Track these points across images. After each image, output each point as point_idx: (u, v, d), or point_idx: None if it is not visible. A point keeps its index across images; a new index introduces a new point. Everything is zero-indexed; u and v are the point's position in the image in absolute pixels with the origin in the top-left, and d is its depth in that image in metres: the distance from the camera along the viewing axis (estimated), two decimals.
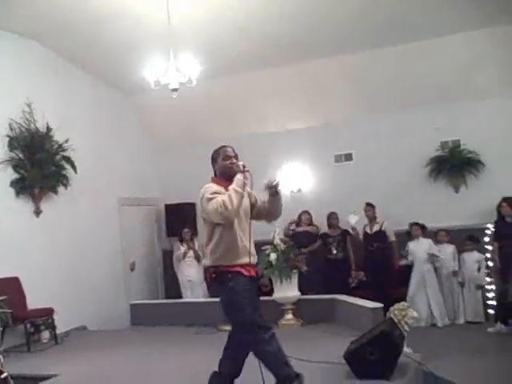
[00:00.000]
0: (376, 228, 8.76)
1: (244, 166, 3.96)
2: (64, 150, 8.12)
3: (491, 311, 8.02)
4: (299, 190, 9.84)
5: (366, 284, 8.61)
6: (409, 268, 8.48)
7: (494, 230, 8.12)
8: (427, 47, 8.39)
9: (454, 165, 8.91)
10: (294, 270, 7.34)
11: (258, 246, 4.90)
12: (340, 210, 9.09)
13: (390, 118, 9.30)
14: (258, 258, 4.21)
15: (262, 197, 4.18)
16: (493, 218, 8.11)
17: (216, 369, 4.13)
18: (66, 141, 8.09)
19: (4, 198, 7.49)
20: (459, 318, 8.28)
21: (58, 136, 8.04)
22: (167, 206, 10.60)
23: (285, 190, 7.95)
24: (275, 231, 7.37)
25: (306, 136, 9.80)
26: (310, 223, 9.13)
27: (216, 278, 3.92)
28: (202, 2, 7.28)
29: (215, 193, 3.84)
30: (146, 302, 9.31)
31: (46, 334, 7.42)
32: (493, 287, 8.11)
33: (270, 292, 7.36)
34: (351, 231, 8.96)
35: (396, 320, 5.15)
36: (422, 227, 8.52)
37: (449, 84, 8.71)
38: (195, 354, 6.15)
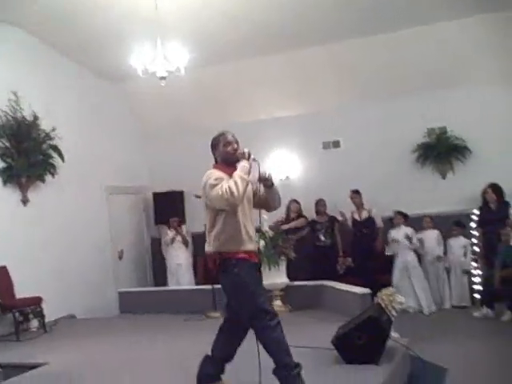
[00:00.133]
0: (365, 215, 8.82)
1: (249, 154, 3.92)
2: (51, 139, 8.07)
3: (477, 296, 8.11)
4: (287, 178, 9.85)
5: (353, 270, 8.67)
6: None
7: (478, 215, 8.20)
8: (414, 35, 8.38)
9: (440, 151, 8.95)
10: (283, 257, 7.38)
11: None
12: (328, 196, 9.14)
13: (377, 105, 9.32)
14: None
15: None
16: (479, 203, 8.20)
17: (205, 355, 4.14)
18: (53, 129, 8.03)
19: None
20: (445, 302, 8.37)
21: (44, 124, 7.98)
22: (155, 195, 10.59)
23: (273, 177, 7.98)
24: (263, 218, 7.38)
25: (295, 123, 9.81)
26: (299, 213, 9.13)
27: (220, 264, 3.88)
28: None
29: (218, 179, 3.80)
30: (135, 289, 9.32)
31: (34, 323, 7.42)
32: (479, 272, 8.19)
33: None
34: (339, 218, 9.01)
35: (383, 305, 5.19)
36: (405, 216, 8.59)
37: (435, 71, 8.73)
38: (184, 341, 6.18)
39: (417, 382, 4.87)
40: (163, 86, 7.11)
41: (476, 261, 8.27)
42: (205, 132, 10.73)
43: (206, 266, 8.92)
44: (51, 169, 8.14)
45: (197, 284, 9.18)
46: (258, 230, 7.33)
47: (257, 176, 3.97)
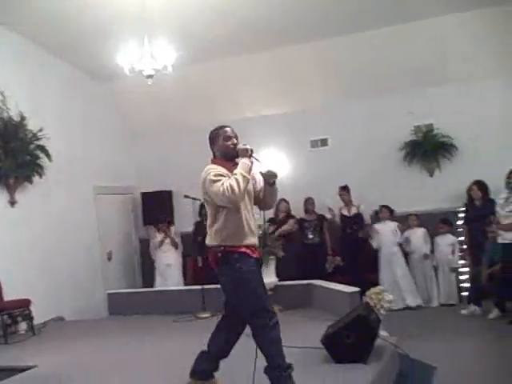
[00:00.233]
0: (354, 210, 8.87)
1: (252, 151, 3.88)
2: (38, 139, 8.01)
3: (465, 293, 8.16)
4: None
5: (342, 269, 8.70)
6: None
7: (464, 212, 8.26)
8: (401, 32, 8.41)
9: (427, 149, 9.01)
10: (271, 256, 7.38)
11: None
12: (316, 195, 9.16)
13: (364, 103, 9.36)
14: None
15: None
16: (466, 201, 8.25)
17: (195, 355, 4.12)
18: (41, 129, 7.98)
19: None
20: (433, 300, 8.43)
21: (31, 124, 7.92)
22: (143, 194, 10.56)
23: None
24: (255, 215, 7.38)
25: (282, 122, 9.82)
26: (288, 212, 9.13)
27: (221, 257, 3.81)
28: None
29: (219, 175, 3.75)
30: (124, 291, 9.26)
31: (23, 326, 7.35)
32: (466, 269, 8.24)
33: None
34: (328, 215, 9.03)
35: (372, 304, 5.23)
36: (391, 210, 8.65)
37: (422, 69, 8.77)
38: (173, 342, 6.17)
39: (405, 380, 4.89)
40: (150, 84, 7.09)
41: (464, 258, 8.33)
42: (192, 130, 10.82)
43: (195, 266, 8.93)
44: (39, 169, 8.07)
45: (186, 285, 9.16)
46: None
47: (258, 175, 3.95)
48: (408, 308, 8.22)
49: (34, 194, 8.12)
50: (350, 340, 4.51)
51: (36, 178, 8.07)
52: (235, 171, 3.76)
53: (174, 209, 10.31)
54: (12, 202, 7.82)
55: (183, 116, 10.08)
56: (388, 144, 9.22)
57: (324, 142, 9.83)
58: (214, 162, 4.00)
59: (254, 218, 3.98)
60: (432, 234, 8.61)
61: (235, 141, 3.97)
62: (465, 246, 8.28)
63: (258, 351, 3.78)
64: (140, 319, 7.77)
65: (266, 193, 4.07)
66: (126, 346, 6.16)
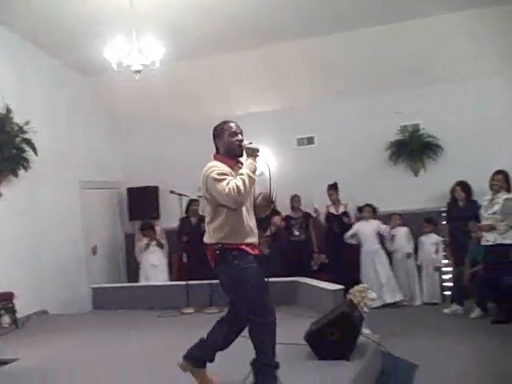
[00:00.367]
0: (342, 209, 8.93)
1: (258, 151, 3.86)
2: (24, 133, 7.96)
3: (448, 292, 8.24)
4: (261, 174, 9.84)
5: (327, 266, 8.75)
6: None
7: (445, 212, 8.33)
8: (389, 32, 8.41)
9: (413, 149, 9.06)
10: None
11: None
12: (302, 192, 9.19)
13: (351, 101, 9.37)
14: None
15: None
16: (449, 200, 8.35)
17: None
18: (27, 123, 7.93)
19: None
20: (416, 299, 8.51)
21: (18, 118, 7.87)
22: (129, 190, 10.53)
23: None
24: None
25: (270, 119, 9.81)
26: (273, 208, 9.13)
27: (220, 255, 3.77)
28: None
29: (223, 174, 3.70)
30: (108, 285, 9.23)
31: (6, 319, 7.31)
32: (450, 269, 8.32)
33: None
34: (313, 213, 9.08)
35: (356, 301, 5.27)
36: (374, 209, 8.72)
37: (409, 68, 8.78)
38: (158, 337, 6.17)
39: (388, 377, 4.95)
40: (138, 79, 7.08)
41: (447, 257, 8.40)
42: (180, 126, 10.76)
43: (180, 263, 8.93)
44: (24, 163, 8.02)
45: (172, 281, 9.15)
46: None
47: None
48: (387, 305, 8.27)
49: (18, 187, 8.06)
50: (334, 337, 4.55)
51: (21, 172, 8.01)
52: (241, 171, 3.74)
53: (160, 205, 10.29)
54: None
55: (171, 112, 10.05)
56: (374, 143, 9.25)
57: (310, 141, 9.86)
58: (216, 158, 3.94)
59: (254, 218, 3.95)
60: (416, 234, 8.68)
61: (241, 137, 3.93)
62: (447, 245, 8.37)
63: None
64: (124, 314, 7.76)
65: (258, 206, 4.06)
66: (111, 341, 6.16)
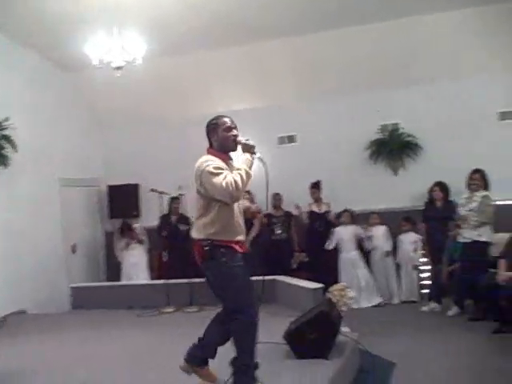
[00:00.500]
0: (325, 208, 8.96)
1: (254, 147, 3.84)
2: (3, 129, 7.89)
3: (425, 291, 8.31)
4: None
5: (306, 265, 8.77)
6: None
7: (423, 211, 8.40)
8: (371, 32, 8.46)
9: (393, 148, 9.11)
10: None
11: None
12: (283, 191, 9.19)
13: (334, 101, 9.39)
14: None
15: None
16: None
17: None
18: (6, 119, 7.86)
19: None
20: (394, 298, 8.57)
21: None
22: (110, 187, 10.47)
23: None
24: None
25: (252, 117, 9.77)
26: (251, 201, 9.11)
27: (208, 251, 3.71)
28: None
29: (219, 168, 3.66)
30: (87, 284, 9.20)
31: None
32: (428, 267, 8.40)
33: None
34: (295, 212, 9.09)
35: (335, 300, 5.30)
36: (352, 214, 8.77)
37: (389, 68, 8.85)
38: (137, 336, 6.16)
39: (366, 375, 4.98)
40: (119, 76, 7.03)
41: (425, 256, 8.48)
42: (161, 123, 10.67)
43: (160, 261, 8.90)
44: (3, 160, 7.96)
45: (152, 279, 9.13)
46: None
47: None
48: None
49: None
50: (312, 336, 4.57)
51: (0, 168, 7.95)
52: (239, 166, 3.72)
53: (141, 202, 10.25)
54: None
55: (153, 109, 9.98)
56: (355, 142, 9.28)
57: (291, 139, 9.88)
58: (209, 152, 3.90)
59: (242, 216, 3.93)
60: (395, 232, 8.75)
61: (235, 132, 3.90)
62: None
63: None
64: (104, 313, 7.71)
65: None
66: (90, 341, 6.12)
